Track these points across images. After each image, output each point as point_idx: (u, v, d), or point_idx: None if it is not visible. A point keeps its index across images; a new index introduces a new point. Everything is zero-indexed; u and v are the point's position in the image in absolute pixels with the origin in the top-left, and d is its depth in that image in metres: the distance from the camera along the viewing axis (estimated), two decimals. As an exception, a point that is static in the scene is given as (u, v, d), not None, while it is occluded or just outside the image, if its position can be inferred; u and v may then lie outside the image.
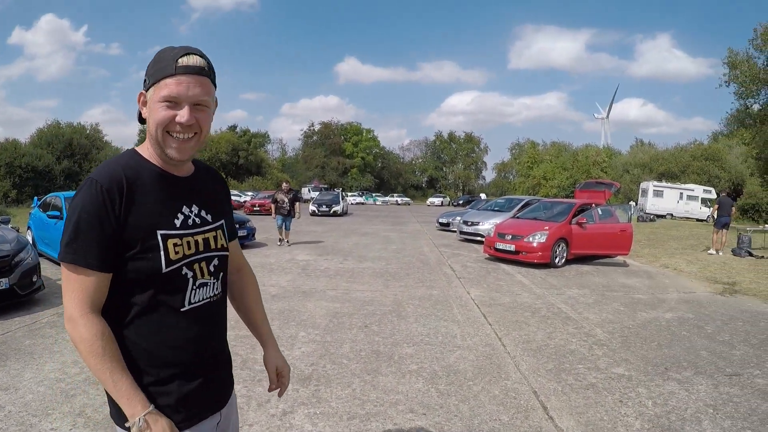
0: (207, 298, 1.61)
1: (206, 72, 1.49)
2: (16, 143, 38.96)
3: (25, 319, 6.63)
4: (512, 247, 12.25)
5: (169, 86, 1.43)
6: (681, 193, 39.04)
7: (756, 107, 32.32)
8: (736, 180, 51.85)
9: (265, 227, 18.80)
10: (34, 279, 7.20)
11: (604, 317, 7.32)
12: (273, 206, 14.76)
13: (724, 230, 15.36)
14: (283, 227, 14.70)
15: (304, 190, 56.05)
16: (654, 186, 39.80)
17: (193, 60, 1.45)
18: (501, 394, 4.50)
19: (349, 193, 59.59)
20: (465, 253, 14.28)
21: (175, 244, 1.51)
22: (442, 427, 3.88)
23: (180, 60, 1.44)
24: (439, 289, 9.00)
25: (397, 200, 64.74)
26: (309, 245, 15.20)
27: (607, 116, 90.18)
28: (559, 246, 12.12)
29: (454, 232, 19.63)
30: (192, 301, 1.56)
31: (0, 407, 4.17)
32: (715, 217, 15.71)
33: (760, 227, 20.27)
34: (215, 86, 1.55)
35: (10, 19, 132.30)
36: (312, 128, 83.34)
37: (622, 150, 75.75)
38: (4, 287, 6.67)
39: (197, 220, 1.59)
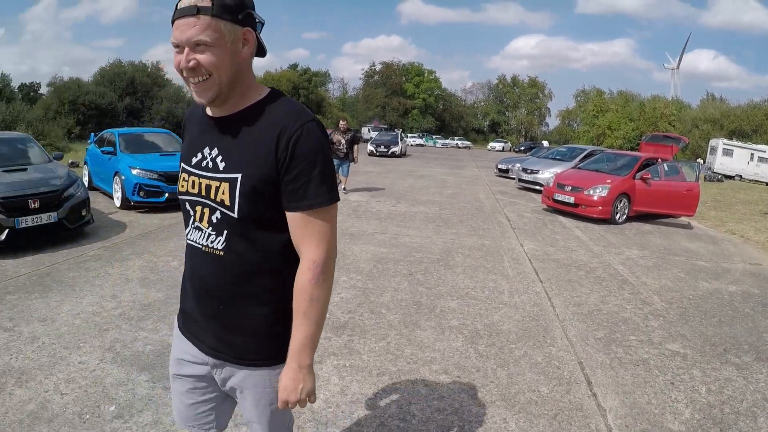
0: (199, 245, 1.58)
1: (202, 10, 1.36)
2: (79, 81, 39.77)
3: (72, 251, 6.77)
4: (571, 199, 11.65)
5: (174, 33, 1.40)
6: (752, 154, 35.83)
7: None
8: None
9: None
10: (83, 213, 7.37)
11: (663, 284, 6.81)
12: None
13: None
14: (339, 172, 12.76)
15: (364, 130, 55.66)
16: (724, 144, 36.83)
17: (185, 2, 1.38)
18: (543, 362, 4.21)
19: (409, 135, 58.84)
20: (522, 202, 13.79)
21: (183, 179, 1.61)
22: (476, 393, 3.66)
23: (178, 5, 1.39)
24: (492, 239, 8.67)
25: (457, 143, 63.66)
26: (363, 186, 15.01)
27: (678, 67, 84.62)
28: (620, 201, 11.43)
29: (513, 179, 19.04)
30: (189, 237, 1.63)
31: (35, 338, 4.25)
32: None
33: None
34: (230, 17, 1.40)
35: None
36: (373, 68, 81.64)
37: (691, 103, 70.96)
38: (53, 220, 6.86)
39: (209, 164, 1.54)
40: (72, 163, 9.49)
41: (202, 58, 1.39)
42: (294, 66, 74.85)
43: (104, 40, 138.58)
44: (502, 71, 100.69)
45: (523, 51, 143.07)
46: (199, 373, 1.73)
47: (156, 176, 9.13)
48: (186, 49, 1.39)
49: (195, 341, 1.70)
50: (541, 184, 15.12)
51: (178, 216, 8.56)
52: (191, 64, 1.40)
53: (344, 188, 13.50)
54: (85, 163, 12.24)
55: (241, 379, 1.67)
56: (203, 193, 1.54)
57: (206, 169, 1.54)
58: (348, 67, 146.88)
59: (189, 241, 1.63)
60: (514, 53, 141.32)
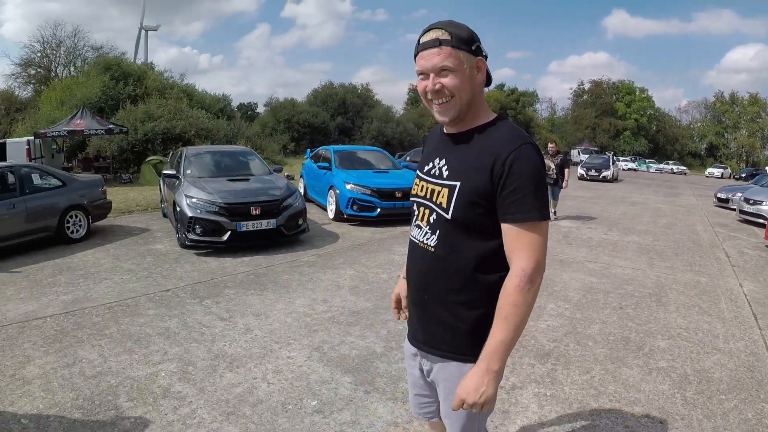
0: (417, 240, 1.81)
1: (443, 42, 1.61)
2: (293, 102, 44.15)
3: (287, 256, 7.39)
4: (801, 237, 9.86)
5: (417, 63, 1.67)
6: None
7: None
8: None
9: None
10: (300, 222, 8.04)
11: None
12: None
13: None
14: (550, 196, 11.76)
15: (573, 153, 53.45)
16: None
17: (428, 36, 1.63)
18: (754, 419, 3.55)
19: (621, 158, 55.28)
20: (743, 237, 12.10)
21: (416, 184, 1.86)
22: (678, 443, 3.21)
23: (420, 39, 1.66)
24: (708, 277, 7.70)
25: (672, 168, 58.31)
26: (573, 212, 14.36)
27: None
28: None
29: (734, 209, 16.89)
30: (411, 233, 1.87)
31: (249, 330, 4.69)
32: None
33: None
34: (466, 48, 1.62)
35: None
36: (581, 87, 78.01)
37: None
38: (272, 227, 7.58)
39: (437, 172, 1.76)
40: (288, 176, 10.35)
41: (446, 81, 1.62)
42: (501, 86, 74.59)
43: (313, 64, 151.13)
44: (718, 87, 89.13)
45: (741, 63, 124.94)
46: (414, 365, 1.97)
47: (369, 192, 9.59)
48: (431, 75, 1.63)
49: (409, 334, 1.96)
50: (764, 217, 13.20)
51: (388, 231, 8.93)
52: (437, 87, 1.63)
53: (555, 212, 12.87)
54: (301, 176, 13.36)
55: (436, 371, 1.84)
56: (427, 195, 1.77)
57: (433, 176, 1.77)
58: (555, 87, 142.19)
59: (411, 237, 1.87)
60: (730, 66, 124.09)
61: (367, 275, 6.42)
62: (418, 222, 1.81)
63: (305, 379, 3.76)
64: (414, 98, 55.97)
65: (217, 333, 4.63)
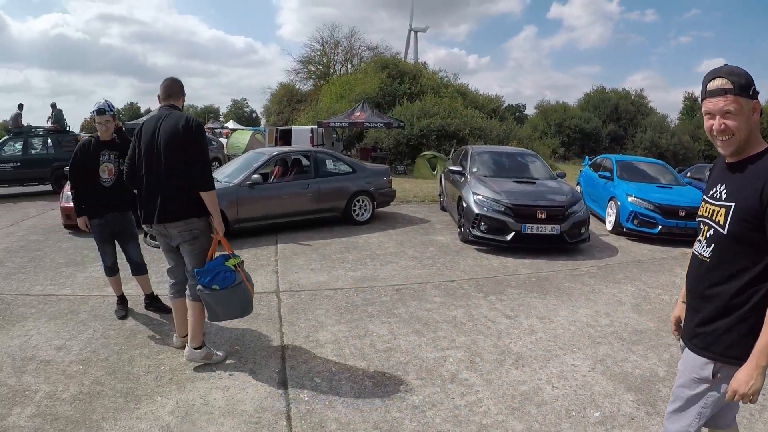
0: (697, 253, 2.12)
1: (728, 91, 1.91)
2: (565, 105, 42.63)
3: (567, 263, 7.27)
4: None
5: (704, 105, 2.01)
6: None
7: None
8: None
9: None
10: (582, 230, 7.84)
11: None
12: None
13: None
14: None
15: None
16: None
17: (713, 85, 1.95)
18: None
19: None
20: None
21: (701, 206, 2.17)
22: None
23: (708, 85, 1.97)
24: None
25: None
26: None
27: None
28: None
29: None
30: (694, 247, 2.17)
31: (533, 332, 4.77)
32: None
33: None
34: (745, 94, 1.92)
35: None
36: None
37: None
38: (555, 232, 7.52)
39: (718, 195, 2.06)
40: None
41: (729, 122, 1.94)
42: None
43: (581, 67, 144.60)
44: None
45: None
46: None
47: (651, 207, 8.95)
48: (717, 117, 1.95)
49: (683, 335, 2.25)
50: None
51: (668, 251, 8.32)
52: (722, 127, 1.95)
53: None
54: (578, 183, 12.97)
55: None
56: (709, 215, 2.07)
57: (715, 198, 2.07)
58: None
59: (693, 251, 2.18)
60: None
61: (648, 294, 6.04)
62: (699, 237, 2.12)
63: (589, 389, 3.72)
64: (690, 107, 50.14)
65: (502, 329, 4.78)
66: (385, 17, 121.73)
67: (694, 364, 2.08)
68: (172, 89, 4.06)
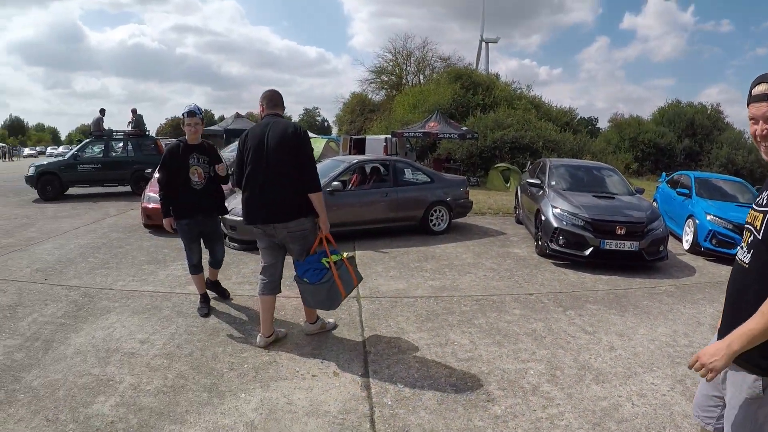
0: (738, 258, 2.10)
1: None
2: (639, 120, 40.96)
3: (644, 281, 7.23)
4: None
5: (749, 110, 2.00)
6: None
7: None
8: None
9: None
10: (660, 248, 7.77)
11: None
12: None
13: None
14: None
15: None
16: None
17: (758, 90, 1.95)
18: None
19: None
20: None
21: (748, 214, 2.13)
22: None
23: (751, 91, 1.98)
24: None
25: None
26: None
27: None
28: None
29: None
30: (737, 257, 2.12)
31: (612, 348, 4.82)
32: None
33: None
34: None
35: (619, 6, 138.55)
36: None
37: None
38: (634, 249, 7.49)
39: (762, 201, 2.06)
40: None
41: None
42: None
43: (655, 80, 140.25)
44: None
45: None
46: None
47: (731, 227, 8.71)
48: (761, 122, 1.94)
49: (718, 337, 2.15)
50: None
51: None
52: (764, 132, 1.95)
53: None
54: (654, 200, 12.74)
55: (729, 378, 2.07)
56: (750, 221, 2.06)
57: (759, 205, 2.06)
58: None
59: (736, 257, 2.14)
60: None
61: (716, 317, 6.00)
62: (742, 243, 2.10)
63: (668, 409, 3.76)
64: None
65: (582, 344, 4.87)
66: (456, 28, 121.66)
67: (743, 384, 1.98)
68: (276, 99, 4.45)
